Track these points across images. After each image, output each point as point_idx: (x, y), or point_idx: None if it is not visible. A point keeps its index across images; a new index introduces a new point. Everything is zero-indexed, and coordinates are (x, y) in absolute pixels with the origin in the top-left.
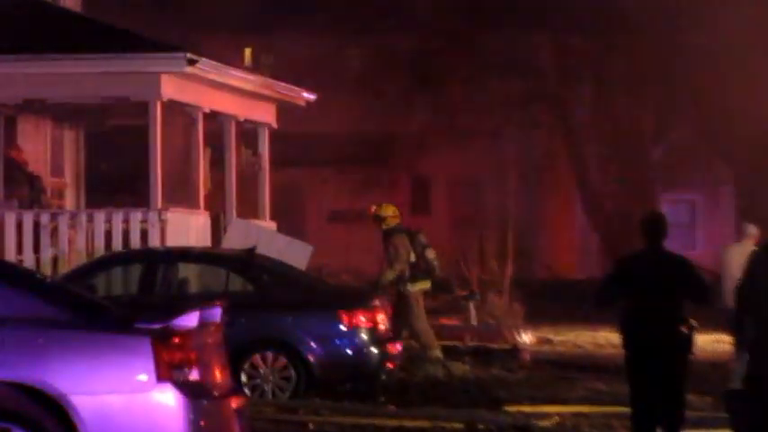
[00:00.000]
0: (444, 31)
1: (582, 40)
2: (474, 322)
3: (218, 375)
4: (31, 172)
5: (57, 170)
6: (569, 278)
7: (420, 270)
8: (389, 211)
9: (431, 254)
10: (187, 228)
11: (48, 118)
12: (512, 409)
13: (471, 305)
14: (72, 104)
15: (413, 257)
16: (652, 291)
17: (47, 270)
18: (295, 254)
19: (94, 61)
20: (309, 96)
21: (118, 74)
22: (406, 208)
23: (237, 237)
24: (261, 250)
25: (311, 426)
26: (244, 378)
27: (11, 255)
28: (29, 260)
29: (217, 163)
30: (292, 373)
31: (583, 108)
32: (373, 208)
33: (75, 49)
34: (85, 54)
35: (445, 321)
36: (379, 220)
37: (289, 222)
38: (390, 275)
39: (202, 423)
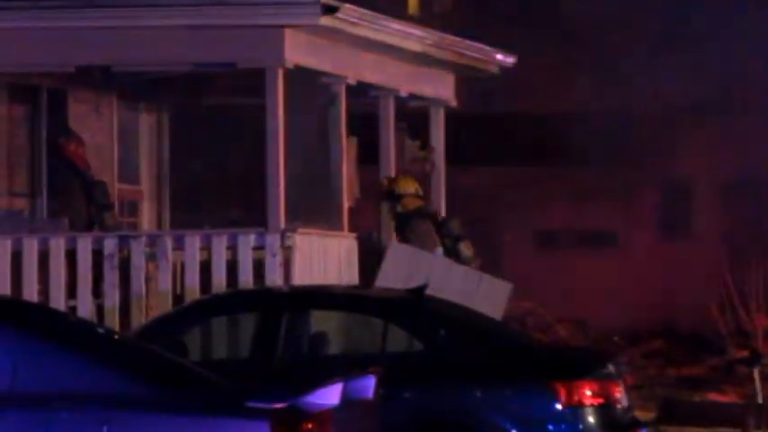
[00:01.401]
0: None
1: None
2: (760, 399)
3: None
4: (91, 175)
5: (127, 173)
6: None
7: None
8: (409, 186)
9: (466, 249)
10: (324, 257)
11: (113, 95)
12: None
13: (756, 373)
14: (150, 74)
15: (440, 252)
16: None
17: (113, 322)
18: (486, 295)
19: (183, 9)
20: (506, 60)
21: (218, 28)
22: (654, 224)
23: (399, 270)
24: (434, 290)
25: None
26: None
27: (59, 300)
28: (86, 307)
29: (367, 160)
30: None
31: None
32: (385, 182)
33: None
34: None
35: (716, 397)
36: (392, 199)
37: (476, 247)
38: None
39: None
